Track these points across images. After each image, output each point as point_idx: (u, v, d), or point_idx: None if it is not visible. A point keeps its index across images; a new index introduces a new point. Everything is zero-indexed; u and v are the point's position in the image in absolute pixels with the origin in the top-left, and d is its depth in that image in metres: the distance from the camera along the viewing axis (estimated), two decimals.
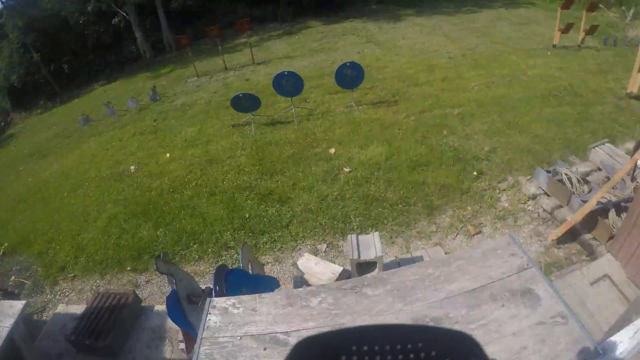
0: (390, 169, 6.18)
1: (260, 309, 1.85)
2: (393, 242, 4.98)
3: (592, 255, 4.27)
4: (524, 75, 9.12)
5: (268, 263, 4.97)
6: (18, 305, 3.57)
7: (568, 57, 10.13)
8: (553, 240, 4.53)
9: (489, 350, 1.47)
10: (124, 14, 19.90)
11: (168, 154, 8.00)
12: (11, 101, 22.32)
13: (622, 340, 1.66)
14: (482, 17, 15.94)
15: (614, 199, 4.44)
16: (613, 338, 1.68)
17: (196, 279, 4.90)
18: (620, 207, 4.33)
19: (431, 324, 1.73)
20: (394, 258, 4.53)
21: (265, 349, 1.66)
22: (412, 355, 0.41)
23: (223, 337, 1.72)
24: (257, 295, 1.93)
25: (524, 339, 1.66)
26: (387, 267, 3.94)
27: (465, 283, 1.91)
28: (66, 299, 5.23)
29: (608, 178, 4.94)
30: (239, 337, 1.71)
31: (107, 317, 4.19)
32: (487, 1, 18.70)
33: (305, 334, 1.70)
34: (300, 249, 5.11)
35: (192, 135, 8.74)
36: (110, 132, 10.75)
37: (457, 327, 1.65)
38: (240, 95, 7.71)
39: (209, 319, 1.82)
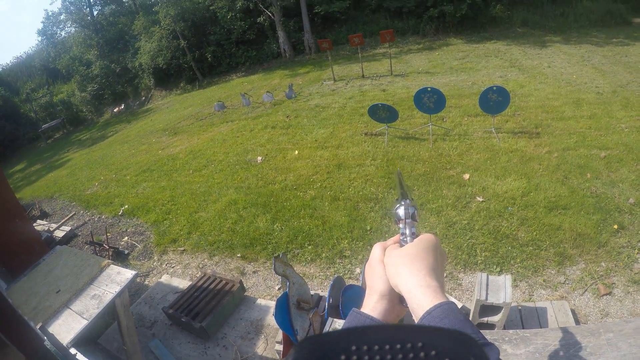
0: (525, 206, 5.59)
1: None
2: (516, 286, 4.48)
3: None
4: None
5: None
6: (127, 274, 3.61)
7: None
8: None
9: None
10: (270, 14, 20.92)
11: (297, 151, 8.01)
12: (155, 79, 24.63)
13: None
14: (635, 51, 14.27)
15: None
16: None
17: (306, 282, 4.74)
18: None
19: None
20: (515, 304, 4.09)
21: None
22: (411, 355, 0.40)
23: None
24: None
25: None
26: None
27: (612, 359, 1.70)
28: (172, 270, 5.40)
29: None
30: None
31: (208, 300, 4.18)
32: None
33: None
34: None
35: (323, 136, 8.72)
36: (243, 122, 11.13)
37: None
38: (379, 105, 7.46)
39: None
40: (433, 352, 0.40)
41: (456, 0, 18.73)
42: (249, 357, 3.79)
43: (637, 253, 4.68)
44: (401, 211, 0.95)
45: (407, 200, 0.97)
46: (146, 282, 5.22)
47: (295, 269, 4.94)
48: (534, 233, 5.08)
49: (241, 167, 7.83)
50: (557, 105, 9.26)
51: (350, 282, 4.23)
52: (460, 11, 18.79)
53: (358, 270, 4.78)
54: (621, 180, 5.97)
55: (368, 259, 0.95)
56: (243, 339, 4.00)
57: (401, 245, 0.91)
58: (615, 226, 5.03)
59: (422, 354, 0.40)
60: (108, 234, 6.36)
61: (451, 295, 4.40)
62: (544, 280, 4.48)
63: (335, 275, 3.50)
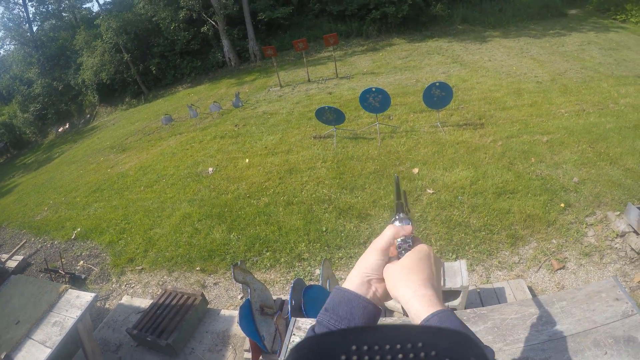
0: (475, 194, 5.82)
1: None
2: (473, 270, 4.65)
3: None
4: (615, 103, 8.45)
5: (342, 279, 4.72)
6: (87, 297, 3.54)
7: None
8: (639, 282, 4.13)
9: None
10: (213, 23, 20.70)
11: (247, 160, 7.98)
12: (99, 96, 23.89)
13: None
14: (570, 41, 15.15)
15: None
16: None
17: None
18: None
19: None
20: (474, 287, 4.22)
21: None
22: (411, 355, 0.41)
23: None
24: None
25: None
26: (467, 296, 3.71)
27: (568, 326, 1.81)
28: (131, 290, 5.26)
29: None
30: None
31: (172, 316, 4.11)
32: (575, 24, 17.87)
33: None
34: None
35: (273, 143, 8.71)
36: (192, 134, 10.99)
37: None
38: (326, 107, 7.53)
39: (293, 341, 1.70)
40: (433, 352, 0.41)
41: (397, 1, 19.12)
42: None
43: (585, 228, 4.96)
44: (397, 224, 0.99)
45: (401, 214, 1.01)
46: (107, 306, 5.07)
47: (255, 276, 4.95)
48: (485, 218, 5.29)
49: (193, 179, 7.74)
50: (499, 96, 9.65)
51: (311, 283, 4.28)
52: (402, 12, 19.19)
53: (317, 271, 4.84)
54: (564, 161, 6.31)
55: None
56: (211, 351, 3.96)
57: (398, 258, 0.95)
58: (562, 205, 5.33)
59: (422, 354, 0.41)
60: (63, 260, 6.13)
61: None
62: (499, 262, 4.67)
63: (295, 278, 3.54)
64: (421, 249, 0.95)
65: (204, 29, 20.80)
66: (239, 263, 3.35)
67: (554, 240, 4.87)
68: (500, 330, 1.79)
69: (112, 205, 7.78)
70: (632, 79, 9.97)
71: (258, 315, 3.42)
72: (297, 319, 1.82)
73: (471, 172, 6.35)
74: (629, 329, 1.74)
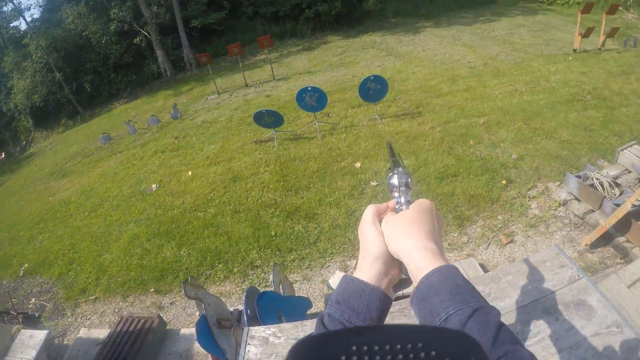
0: (418, 181, 5.99)
1: None
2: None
3: (626, 257, 4.19)
4: (546, 81, 8.95)
5: (296, 281, 4.77)
6: (40, 335, 3.46)
7: (589, 61, 9.96)
8: (587, 245, 4.40)
9: None
10: (146, 34, 20.20)
11: (190, 172, 7.88)
12: (33, 120, 22.73)
13: None
14: (500, 26, 15.87)
15: None
16: None
17: (223, 300, 4.74)
18: None
19: None
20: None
21: None
22: (412, 355, 0.41)
23: None
24: (299, 322, 1.82)
25: (582, 352, 1.64)
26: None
27: (517, 299, 1.88)
28: (88, 322, 5.06)
29: (638, 179, 4.81)
30: None
31: (131, 343, 4.01)
32: (505, 9, 18.73)
33: None
34: (329, 265, 4.90)
35: (214, 152, 8.63)
36: (132, 151, 10.71)
37: None
38: (264, 111, 7.56)
39: (248, 351, 1.70)
40: (433, 353, 0.41)
41: None
42: None
43: (529, 201, 5.25)
44: (395, 180, 0.95)
45: (400, 168, 0.97)
46: (65, 342, 4.83)
47: (210, 289, 4.94)
48: None
49: (137, 198, 7.56)
50: (434, 84, 9.97)
51: (266, 289, 4.32)
52: (335, 9, 19.42)
53: (271, 277, 4.90)
54: (501, 140, 6.62)
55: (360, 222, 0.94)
56: None
57: (397, 212, 0.90)
58: (504, 182, 5.60)
59: (422, 354, 0.41)
60: (13, 300, 5.82)
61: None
62: (449, 244, 4.85)
63: (248, 287, 3.57)
64: (423, 202, 0.89)
65: (137, 40, 20.22)
66: (189, 279, 3.34)
67: (499, 217, 5.11)
68: None
69: (58, 235, 7.49)
70: (561, 57, 10.52)
71: (216, 329, 3.40)
72: (251, 327, 1.82)
73: (412, 160, 6.53)
74: (577, 292, 1.83)
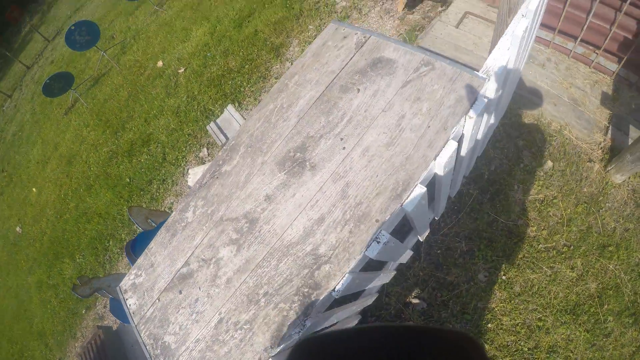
0: (220, 41, 5.71)
1: (156, 260, 1.71)
2: (258, 102, 4.65)
3: (446, 3, 4.13)
4: None
5: (169, 203, 4.65)
6: None
7: None
8: (404, 9, 4.30)
9: (368, 140, 1.52)
10: None
11: (34, 189, 7.12)
12: None
13: (497, 56, 1.55)
14: None
15: None
16: (488, 59, 1.55)
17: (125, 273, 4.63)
18: None
19: (298, 155, 1.60)
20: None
21: (181, 292, 1.56)
22: (412, 355, 0.41)
23: (148, 310, 1.61)
24: (145, 250, 1.78)
25: (397, 109, 1.54)
26: None
27: (311, 93, 1.73)
28: None
29: None
30: (157, 300, 1.60)
31: None
32: None
33: (199, 252, 1.61)
34: (185, 165, 4.80)
35: (41, 153, 7.73)
36: None
37: (324, 142, 1.59)
38: (48, 80, 6.67)
39: (129, 304, 1.66)
40: (433, 353, 0.41)
41: None
42: None
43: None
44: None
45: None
46: None
47: (113, 269, 4.76)
48: (241, 53, 5.29)
49: None
50: None
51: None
52: None
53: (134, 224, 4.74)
54: None
55: None
56: None
57: None
58: None
59: (422, 354, 0.41)
60: None
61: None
62: (276, 78, 4.75)
63: (125, 244, 3.39)
64: None
65: None
66: (77, 282, 3.15)
67: (310, 26, 4.94)
68: (256, 144, 1.73)
69: None
70: None
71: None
72: (119, 285, 1.76)
73: (206, 26, 6.16)
74: (370, 53, 1.70)
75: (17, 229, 7.13)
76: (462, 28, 3.71)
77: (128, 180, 5.24)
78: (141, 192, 4.99)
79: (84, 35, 6.73)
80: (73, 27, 6.58)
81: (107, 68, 7.47)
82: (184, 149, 4.90)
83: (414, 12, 4.31)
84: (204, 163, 4.62)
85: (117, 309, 3.22)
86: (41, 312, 5.34)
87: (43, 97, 8.96)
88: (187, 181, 4.55)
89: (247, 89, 4.89)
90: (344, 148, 1.54)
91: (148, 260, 1.72)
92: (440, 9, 4.16)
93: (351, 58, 1.73)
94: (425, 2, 4.31)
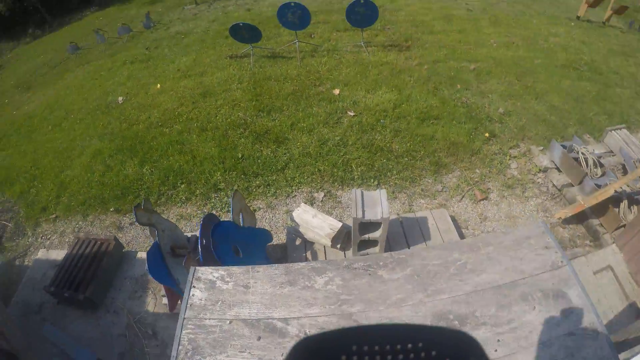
0: (398, 118, 5.71)
1: (254, 285, 1.55)
2: (395, 198, 4.58)
3: (596, 241, 4.09)
4: (545, 41, 8.49)
5: (260, 209, 4.57)
6: None
7: (591, 32, 9.45)
8: (560, 218, 4.24)
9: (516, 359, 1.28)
10: None
11: (159, 85, 7.40)
12: None
13: None
14: None
15: (628, 189, 4.13)
16: None
17: (182, 223, 4.54)
18: (632, 199, 4.06)
19: (455, 322, 1.47)
20: (396, 216, 4.14)
21: (259, 339, 1.38)
22: (412, 355, 0.41)
23: (210, 319, 1.44)
24: (250, 267, 1.62)
25: (554, 350, 1.45)
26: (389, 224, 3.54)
27: (494, 276, 1.64)
28: (48, 242, 4.79)
29: (622, 165, 4.66)
30: (227, 321, 1.43)
31: (87, 266, 3.79)
32: None
33: (307, 322, 1.43)
34: (295, 195, 4.69)
35: (186, 65, 8.10)
36: (100, 61, 10.06)
37: (483, 329, 1.47)
38: (241, 24, 7.00)
39: (193, 294, 1.50)
40: (433, 352, 0.41)
41: None
42: (141, 317, 3.57)
43: (509, 159, 4.99)
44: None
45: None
46: (26, 263, 4.59)
47: (171, 211, 4.73)
48: (408, 144, 5.20)
49: (102, 111, 7.10)
50: (427, 20, 9.41)
51: (229, 215, 4.08)
52: None
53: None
54: (490, 91, 6.30)
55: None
56: (131, 299, 3.74)
57: None
58: (487, 134, 5.33)
59: (422, 354, 0.41)
60: None
61: (332, 213, 4.39)
62: (422, 190, 4.63)
63: (207, 214, 3.29)
64: None
65: None
66: (142, 203, 3.05)
67: (477, 170, 4.89)
68: (421, 278, 1.61)
69: (21, 151, 7.03)
70: (564, 20, 9.99)
71: (169, 258, 3.17)
72: (198, 268, 1.62)
73: (395, 94, 6.20)
74: (559, 282, 1.64)
75: (120, 98, 7.33)
76: (597, 277, 3.54)
77: (240, 155, 5.23)
78: (242, 176, 4.96)
79: (295, 16, 6.98)
80: (292, 5, 6.81)
81: (290, 56, 7.71)
82: (306, 178, 4.87)
83: (565, 227, 4.23)
84: (313, 204, 4.52)
85: (156, 261, 3.08)
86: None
87: (221, 28, 9.40)
88: (291, 209, 4.45)
89: (394, 175, 4.84)
90: (496, 350, 1.42)
91: (245, 278, 1.58)
92: (588, 243, 4.10)
93: (542, 273, 1.66)
94: (580, 227, 4.24)
